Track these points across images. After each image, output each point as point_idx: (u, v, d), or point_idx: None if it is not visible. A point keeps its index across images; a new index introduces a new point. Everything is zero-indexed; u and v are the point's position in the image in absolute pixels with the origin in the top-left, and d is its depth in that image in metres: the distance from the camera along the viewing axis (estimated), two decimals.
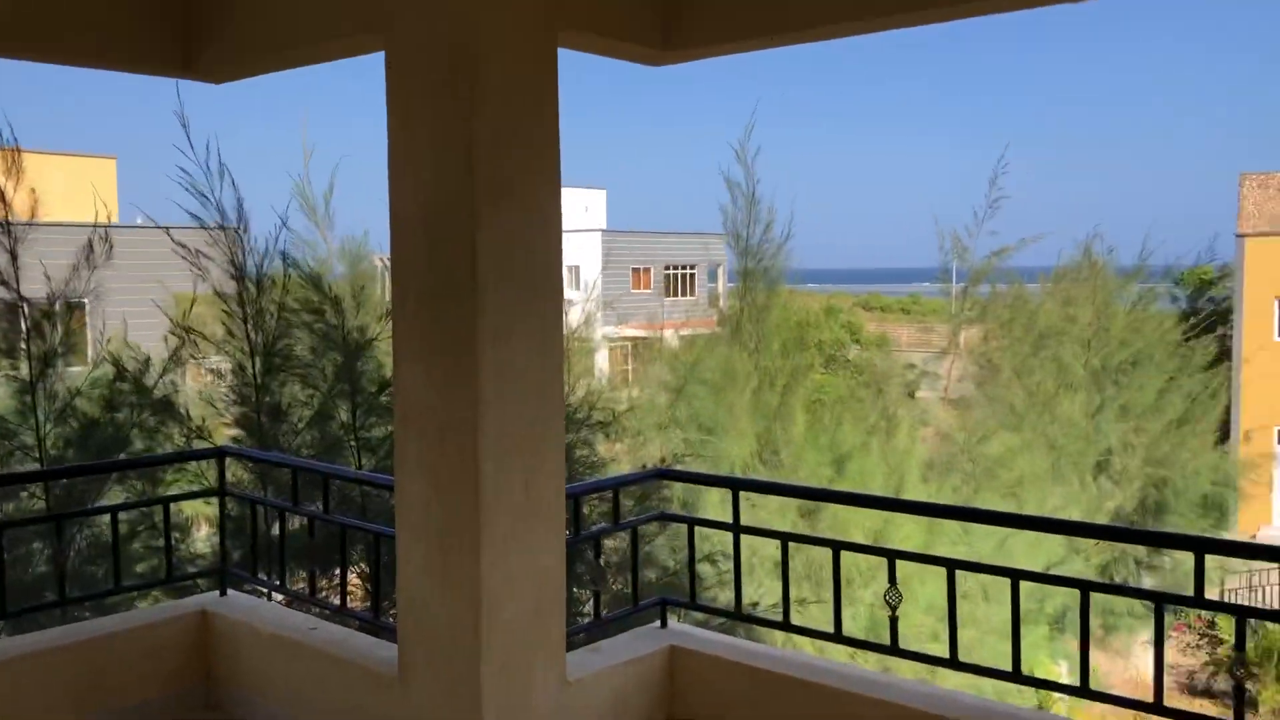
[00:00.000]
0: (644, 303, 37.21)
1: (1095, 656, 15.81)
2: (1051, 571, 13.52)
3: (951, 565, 3.57)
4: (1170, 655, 18.34)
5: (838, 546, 3.85)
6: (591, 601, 4.12)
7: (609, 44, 3.62)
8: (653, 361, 17.00)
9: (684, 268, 43.11)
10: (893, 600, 3.61)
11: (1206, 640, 17.39)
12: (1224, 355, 26.84)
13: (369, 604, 6.08)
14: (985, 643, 10.28)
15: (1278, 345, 29.36)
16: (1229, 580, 19.20)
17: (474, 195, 2.99)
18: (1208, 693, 17.49)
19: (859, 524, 10.30)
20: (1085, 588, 3.28)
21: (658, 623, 4.15)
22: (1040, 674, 13.85)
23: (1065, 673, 14.44)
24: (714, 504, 9.29)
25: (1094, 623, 14.69)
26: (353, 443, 7.54)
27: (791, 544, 3.98)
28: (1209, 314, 31.45)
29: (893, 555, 3.69)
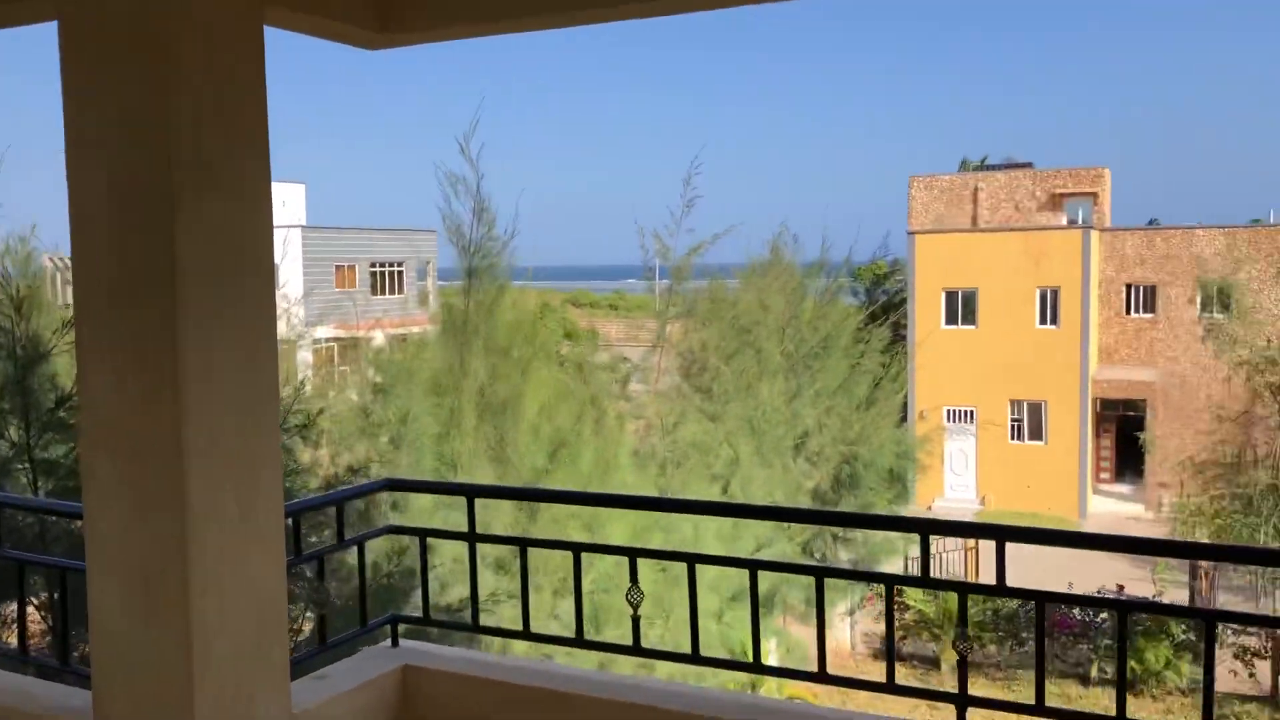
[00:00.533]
0: (349, 301, 35.93)
1: (798, 631, 16.81)
2: (774, 555, 14.27)
3: (691, 559, 3.56)
4: (866, 623, 19.76)
5: (578, 549, 3.75)
6: (317, 626, 3.80)
7: (320, 23, 3.32)
8: (360, 362, 16.41)
9: (392, 265, 42.06)
10: (634, 599, 3.55)
11: (897, 607, 18.82)
12: (900, 342, 29.27)
13: (54, 646, 5.40)
14: (697, 629, 10.61)
15: (945, 333, 32.30)
16: (912, 549, 20.98)
17: (171, 181, 2.64)
18: (898, 656, 18.99)
19: (575, 519, 10.33)
20: (754, 567, 3.38)
21: (389, 642, 3.90)
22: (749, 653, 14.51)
23: (775, 649, 15.20)
24: (427, 509, 9.02)
25: (797, 598, 15.63)
26: (26, 465, 6.70)
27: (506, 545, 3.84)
28: (885, 304, 34.23)
29: (634, 554, 3.64)
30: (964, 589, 3.12)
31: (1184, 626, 16.50)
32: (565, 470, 10.49)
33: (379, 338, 18.53)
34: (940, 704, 3.27)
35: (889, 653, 3.27)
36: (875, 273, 42.99)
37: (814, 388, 16.09)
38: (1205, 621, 2.84)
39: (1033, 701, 3.00)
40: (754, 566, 3.42)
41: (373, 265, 41.00)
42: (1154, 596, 19.30)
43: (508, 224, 11.93)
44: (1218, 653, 14.44)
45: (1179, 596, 20.41)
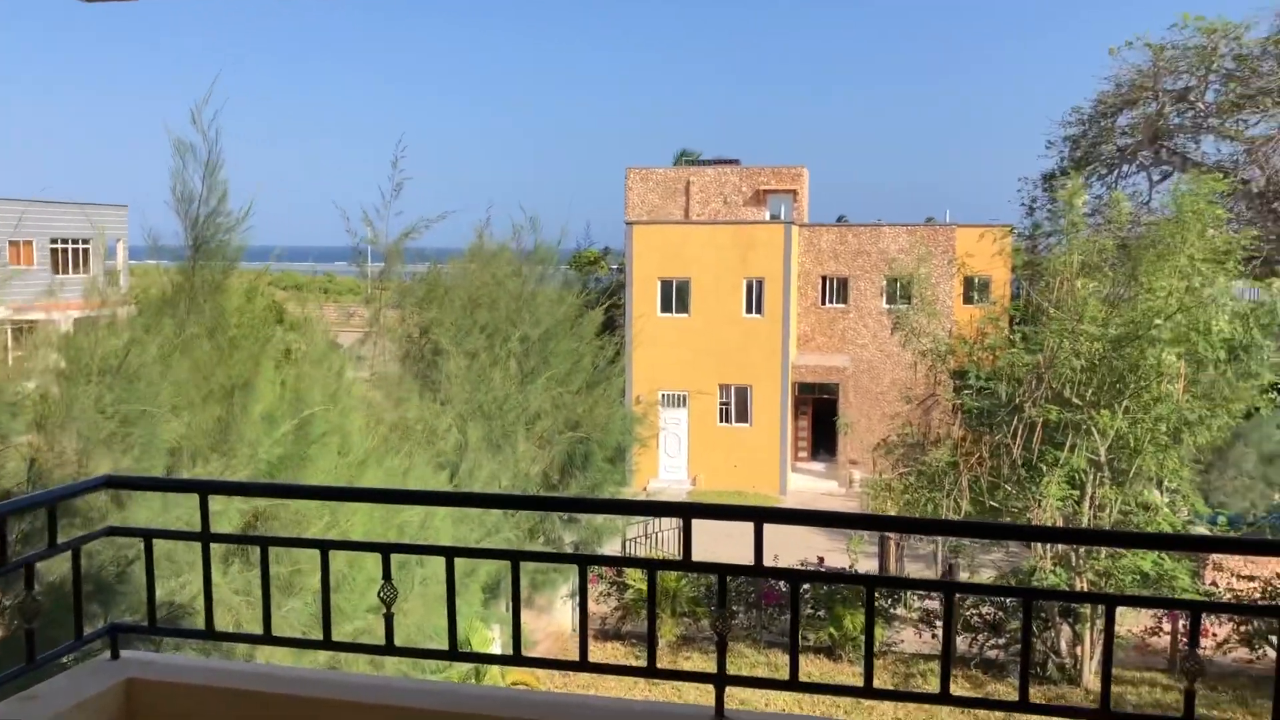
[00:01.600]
0: (27, 281, 32.58)
1: (524, 616, 16.89)
2: (486, 542, 14.19)
3: (450, 553, 3.47)
4: (589, 605, 20.09)
5: (325, 547, 3.56)
6: (25, 640, 3.39)
7: None
8: (42, 347, 14.90)
9: (75, 241, 38.51)
10: (388, 597, 3.42)
11: (615, 588, 19.25)
12: (618, 327, 29.96)
13: None
14: (430, 621, 10.43)
15: (661, 320, 33.35)
16: (630, 530, 21.59)
17: None
18: (617, 635, 19.47)
19: (311, 514, 9.86)
20: (515, 558, 3.37)
21: (109, 654, 3.55)
22: (476, 642, 14.39)
23: (497, 636, 15.16)
24: (155, 509, 8.32)
25: (524, 583, 15.69)
26: None
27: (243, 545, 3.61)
28: (605, 291, 34.87)
29: (387, 549, 3.50)
30: (724, 570, 3.20)
31: (881, 594, 17.88)
32: (300, 462, 9.98)
33: (62, 319, 16.90)
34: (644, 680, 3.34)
35: (650, 637, 3.31)
36: (587, 259, 43.74)
37: (538, 372, 16.17)
38: (1024, 600, 3.06)
39: (787, 677, 3.14)
40: (515, 558, 3.38)
41: (54, 241, 37.42)
42: (849, 567, 20.83)
43: (239, 200, 11.16)
44: (903, 614, 15.56)
45: (870, 566, 22.14)
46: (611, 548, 19.40)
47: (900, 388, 21.07)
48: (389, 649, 3.52)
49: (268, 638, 3.64)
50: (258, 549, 3.71)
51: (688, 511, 3.27)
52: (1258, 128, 37.52)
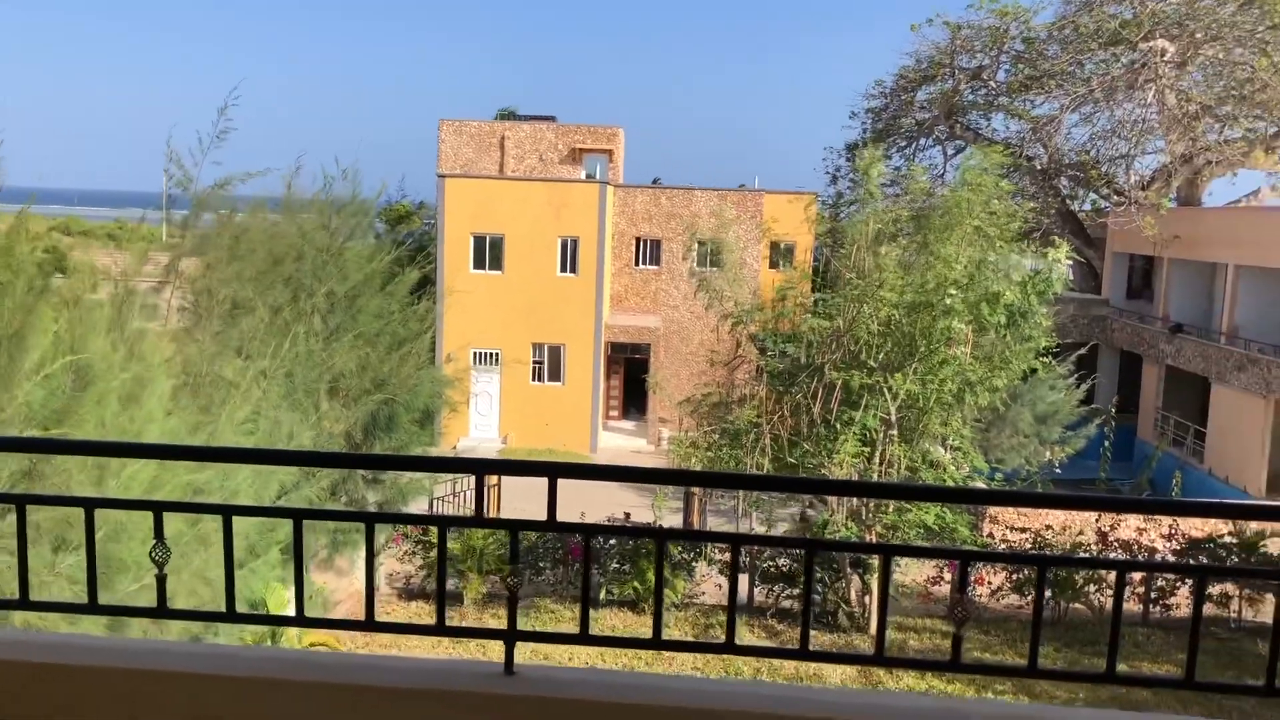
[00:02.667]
0: None
1: (323, 576, 16.49)
2: (281, 501, 13.77)
3: (227, 511, 3.32)
4: (390, 564, 19.81)
5: (91, 505, 3.35)
6: None
7: None
8: None
9: None
10: (160, 557, 3.25)
11: (421, 546, 19.04)
12: (430, 283, 29.41)
13: None
14: (233, 586, 10.02)
15: (473, 277, 32.93)
16: (438, 489, 21.35)
17: None
18: (422, 594, 19.28)
19: (83, 469, 9.29)
20: (298, 516, 3.28)
21: None
22: (273, 603, 13.95)
23: (291, 598, 14.76)
24: None
25: (320, 543, 15.33)
26: None
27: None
28: (416, 245, 34.13)
29: (159, 508, 3.32)
30: (515, 526, 3.18)
31: (680, 548, 18.33)
32: (81, 417, 9.37)
33: None
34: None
35: (439, 595, 3.28)
36: (399, 212, 42.70)
37: (346, 329, 15.71)
38: (806, 550, 3.14)
39: (577, 631, 3.16)
40: (298, 516, 3.27)
41: None
42: (654, 522, 21.27)
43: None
44: (704, 570, 16.02)
45: (675, 520, 22.67)
46: (418, 506, 19.15)
47: (708, 349, 21.58)
48: (161, 612, 3.35)
49: (24, 602, 3.40)
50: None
51: (479, 468, 3.24)
52: (1042, 108, 39.97)
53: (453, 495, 22.31)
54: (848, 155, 41.40)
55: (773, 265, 32.96)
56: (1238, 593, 17.85)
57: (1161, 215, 34.06)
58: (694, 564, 18.86)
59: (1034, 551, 18.88)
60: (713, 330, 19.26)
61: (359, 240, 17.02)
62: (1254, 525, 21.08)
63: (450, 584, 19.23)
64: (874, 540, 16.92)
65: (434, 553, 19.17)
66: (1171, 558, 18.35)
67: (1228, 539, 18.27)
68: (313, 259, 14.46)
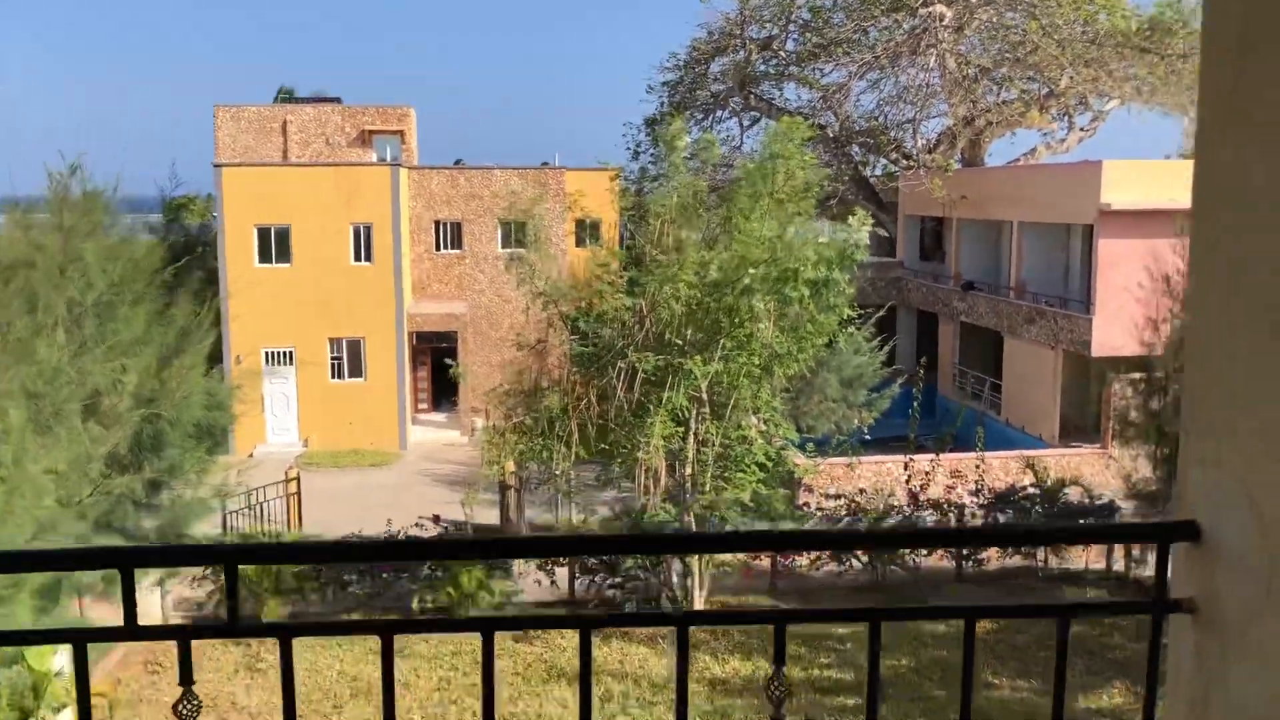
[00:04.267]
0: None
1: (98, 611, 14.87)
2: (41, 540, 12.23)
3: None
4: (180, 590, 18.24)
5: None
6: None
7: None
8: None
9: None
10: None
11: (213, 570, 17.54)
12: (211, 282, 27.37)
13: None
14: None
15: (260, 271, 30.91)
16: (232, 502, 19.78)
17: None
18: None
19: None
20: None
21: None
22: (32, 655, 12.44)
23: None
24: None
25: (93, 577, 13.79)
26: None
27: None
28: (192, 242, 31.80)
29: None
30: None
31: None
32: None
33: None
34: None
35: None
36: (177, 206, 39.96)
37: (107, 340, 14.12)
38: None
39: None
40: None
41: None
42: (466, 520, 20.41)
43: None
44: (521, 568, 15.16)
45: (491, 517, 21.83)
46: (211, 525, 17.69)
47: (517, 334, 20.72)
48: None
49: None
50: None
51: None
52: (831, 76, 40.74)
53: (248, 509, 20.75)
54: (648, 130, 41.14)
55: (580, 243, 32.34)
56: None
57: (948, 177, 35.21)
58: (507, 563, 18.09)
59: (848, 517, 18.98)
60: (523, 312, 18.41)
61: (121, 237, 15.38)
62: (1054, 474, 21.93)
63: (247, 608, 17.85)
64: (693, 521, 16.59)
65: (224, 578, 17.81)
66: (979, 513, 18.79)
67: (1030, 490, 18.84)
68: (45, 265, 12.82)
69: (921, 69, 38.61)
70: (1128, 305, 26.82)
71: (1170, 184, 27.22)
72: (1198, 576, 1.86)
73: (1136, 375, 26.34)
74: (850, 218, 17.38)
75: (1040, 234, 32.97)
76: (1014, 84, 39.33)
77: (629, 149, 43.20)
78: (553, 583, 18.04)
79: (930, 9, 36.09)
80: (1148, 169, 29.82)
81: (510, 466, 20.02)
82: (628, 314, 16.16)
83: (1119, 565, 18.24)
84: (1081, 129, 42.49)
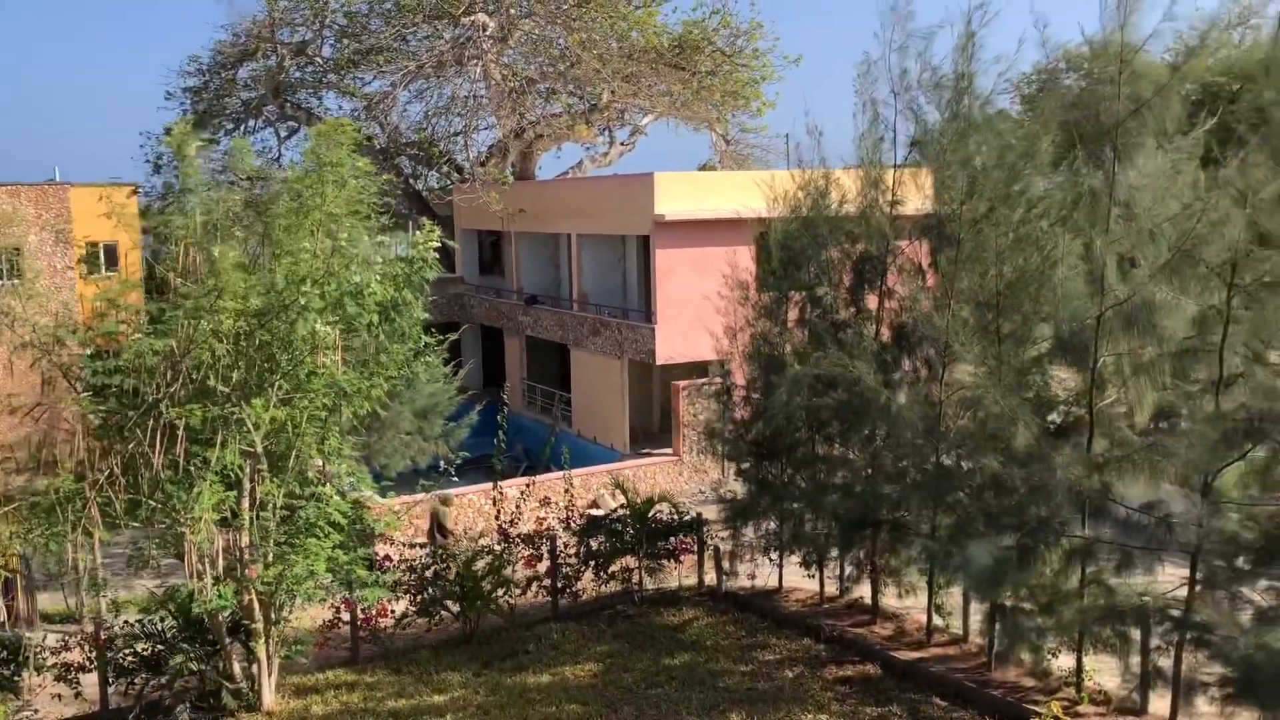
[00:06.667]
0: None
1: None
2: None
3: None
4: None
5: None
6: None
7: None
8: None
9: None
10: None
11: None
12: None
13: None
14: None
15: None
16: None
17: None
18: None
19: None
20: None
21: None
22: None
23: None
24: None
25: None
26: None
27: None
28: None
29: None
30: None
31: None
32: None
33: None
34: None
35: None
36: None
37: None
38: None
39: None
40: None
41: None
42: None
43: None
44: (32, 681, 11.63)
45: None
46: None
47: (6, 393, 16.34)
48: None
49: None
50: None
51: None
52: (374, 85, 38.62)
53: None
54: (169, 141, 36.59)
55: (91, 273, 27.74)
56: (638, 564, 17.76)
57: (505, 190, 34.45)
58: (16, 677, 14.31)
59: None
60: (4, 366, 14.50)
61: None
62: (633, 485, 21.56)
63: None
64: (255, 599, 13.97)
65: None
66: (573, 542, 17.76)
67: (620, 512, 18.10)
68: None
69: (467, 79, 37.64)
70: (686, 312, 27.43)
71: (717, 194, 28.22)
72: None
73: (702, 381, 27.01)
74: (417, 231, 15.61)
75: (599, 246, 33.15)
76: (559, 97, 39.51)
77: (148, 161, 38.38)
78: (77, 694, 14.51)
79: (473, 18, 35.15)
80: (697, 180, 30.86)
81: (12, 554, 16.06)
82: (156, 358, 13.15)
83: (709, 579, 18.02)
84: (622, 143, 43.78)
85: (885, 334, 14.68)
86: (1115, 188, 10.76)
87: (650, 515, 17.76)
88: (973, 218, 12.77)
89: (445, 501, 20.64)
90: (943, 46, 22.54)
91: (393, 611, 16.42)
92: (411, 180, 41.47)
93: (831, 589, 16.61)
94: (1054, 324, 11.84)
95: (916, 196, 14.57)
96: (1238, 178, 9.84)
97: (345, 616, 16.09)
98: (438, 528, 20.43)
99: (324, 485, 14.36)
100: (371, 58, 37.32)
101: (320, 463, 14.91)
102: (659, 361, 28.81)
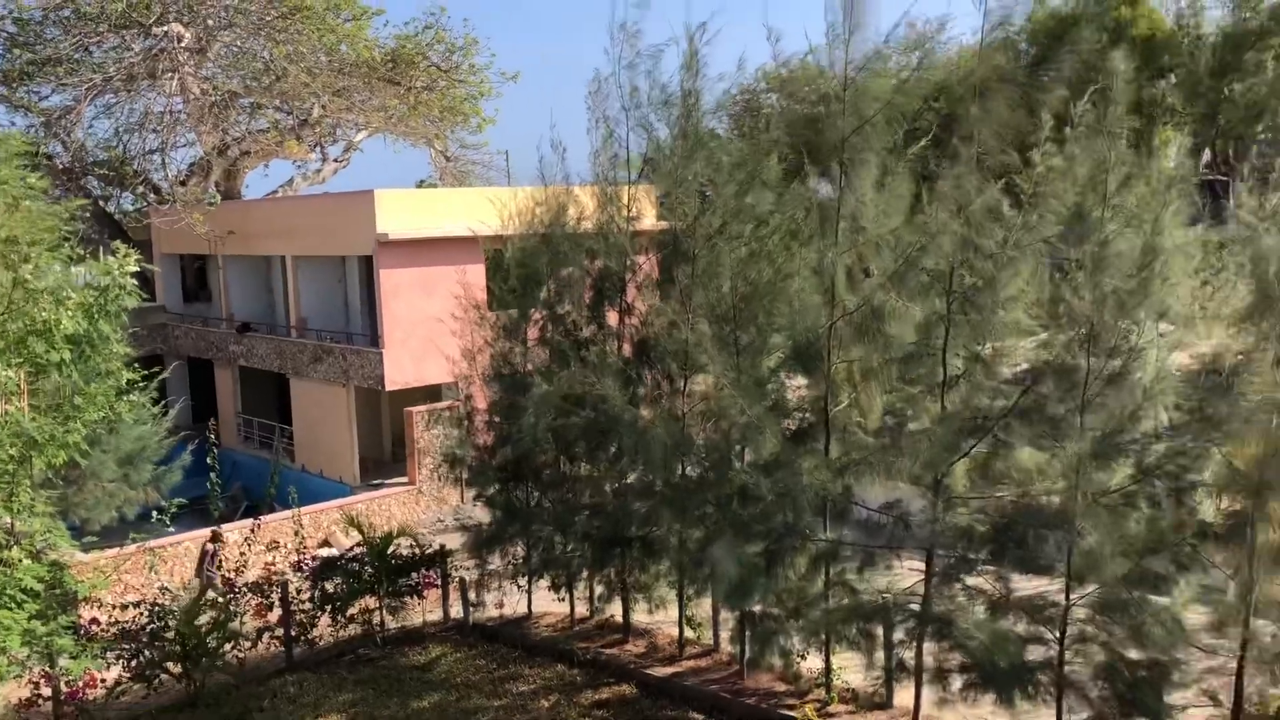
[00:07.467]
0: None
1: None
2: None
3: None
4: None
5: None
6: None
7: None
8: None
9: None
10: None
11: None
12: None
13: None
14: None
15: None
16: None
17: None
18: None
19: None
20: None
21: None
22: None
23: None
24: None
25: None
26: None
27: None
28: None
29: None
30: None
31: None
32: None
33: None
34: None
35: None
36: None
37: None
38: None
39: None
40: None
41: None
42: None
43: None
44: None
45: None
46: None
47: None
48: None
49: None
50: None
51: None
52: (54, 99, 35.15)
53: None
54: None
55: None
56: (379, 604, 16.84)
57: (211, 211, 32.17)
58: None
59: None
60: None
61: None
62: (369, 519, 20.47)
63: None
64: None
65: None
66: (307, 585, 16.58)
67: (357, 550, 17.08)
68: None
69: (162, 94, 34.92)
70: (415, 335, 26.55)
71: (444, 212, 27.52)
72: None
73: (440, 405, 26.17)
74: (110, 256, 14.06)
75: (317, 268, 31.59)
76: (266, 112, 37.43)
77: None
78: None
79: (167, 29, 32.66)
80: (422, 197, 30.02)
81: None
82: None
83: (455, 611, 17.35)
84: (336, 159, 42.08)
85: (628, 350, 14.63)
86: (843, 202, 11.13)
87: (390, 551, 16.88)
88: (706, 233, 12.92)
89: (216, 538, 19.33)
90: (671, 64, 23.00)
91: (103, 681, 14.70)
92: (102, 202, 38.02)
93: (582, 610, 16.36)
94: (789, 334, 12.13)
95: (653, 212, 14.63)
96: (952, 190, 10.39)
97: (46, 692, 14.24)
98: (210, 558, 19.01)
99: (11, 549, 12.62)
100: (49, 69, 33.91)
101: (9, 520, 13.12)
102: (388, 387, 27.73)
